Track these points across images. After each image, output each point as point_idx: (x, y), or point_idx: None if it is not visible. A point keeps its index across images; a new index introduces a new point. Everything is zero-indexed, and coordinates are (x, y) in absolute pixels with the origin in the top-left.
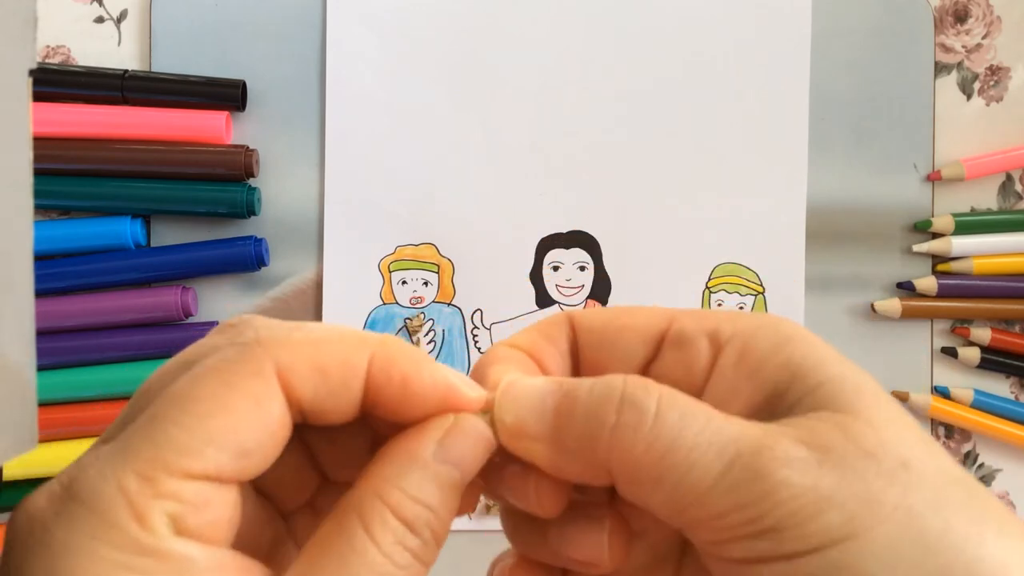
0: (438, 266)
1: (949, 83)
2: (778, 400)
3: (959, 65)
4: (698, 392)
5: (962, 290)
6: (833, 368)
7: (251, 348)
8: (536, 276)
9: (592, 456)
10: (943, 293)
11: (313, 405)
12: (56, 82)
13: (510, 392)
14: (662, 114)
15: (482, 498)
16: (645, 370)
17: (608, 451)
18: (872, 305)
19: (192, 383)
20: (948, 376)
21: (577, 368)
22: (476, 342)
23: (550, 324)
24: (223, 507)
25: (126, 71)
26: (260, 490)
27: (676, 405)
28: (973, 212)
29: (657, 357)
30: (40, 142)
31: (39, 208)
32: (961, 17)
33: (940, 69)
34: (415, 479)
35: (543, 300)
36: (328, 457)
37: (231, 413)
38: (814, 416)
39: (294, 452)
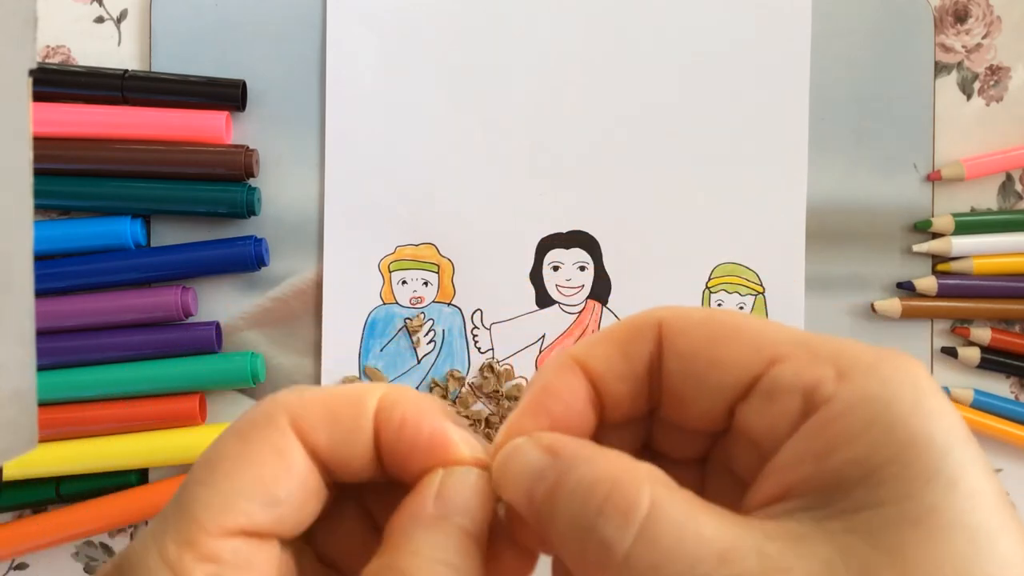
0: (438, 266)
1: (949, 83)
2: (838, 497)
3: (959, 65)
4: (772, 453)
5: (962, 290)
6: (917, 485)
7: (264, 405)
8: (536, 276)
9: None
10: (943, 293)
11: (329, 451)
12: (56, 82)
13: (504, 468)
14: (662, 114)
15: None
16: (732, 410)
17: (578, 568)
18: (872, 305)
19: (215, 446)
20: (948, 376)
21: (657, 385)
22: (476, 342)
23: (633, 336)
24: (266, 566)
25: (126, 71)
26: (326, 559)
27: (658, 545)
28: (973, 212)
29: (746, 400)
30: (40, 142)
31: (39, 208)
32: (961, 17)
33: (940, 69)
34: (423, 537)
35: (543, 300)
36: (386, 520)
37: (253, 465)
38: (843, 548)
39: (354, 518)
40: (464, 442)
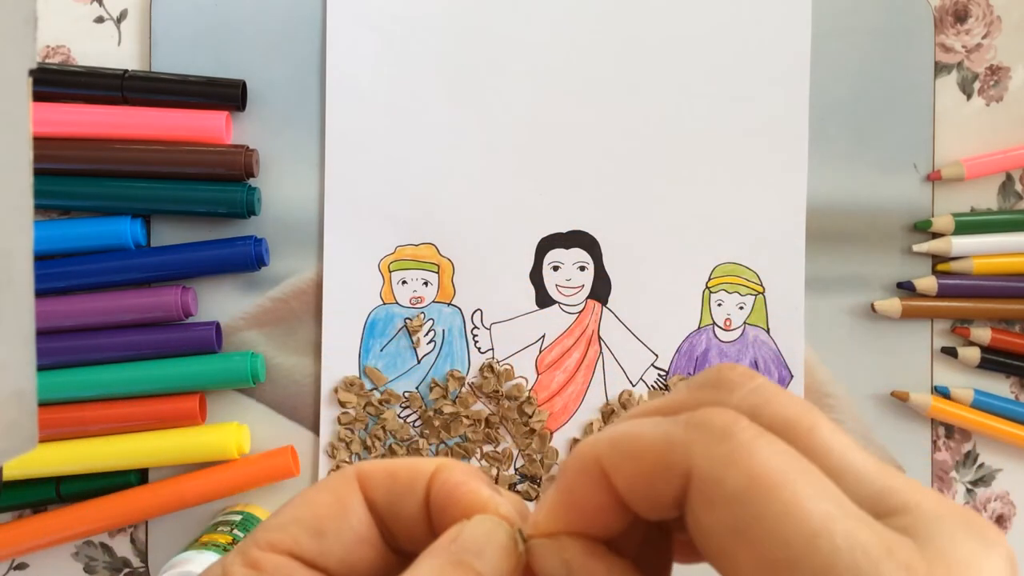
0: (438, 266)
1: (949, 83)
2: None
3: (959, 65)
4: None
5: (962, 290)
6: None
7: (345, 467)
8: (536, 276)
9: None
10: (943, 293)
11: (386, 504)
12: (56, 82)
13: (532, 562)
14: (662, 114)
15: None
16: None
17: None
18: (872, 305)
19: (298, 493)
20: (948, 376)
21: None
22: (476, 342)
23: (659, 474)
24: None
25: (126, 71)
26: None
27: None
28: (973, 212)
29: None
30: (40, 142)
31: (39, 208)
32: (961, 17)
33: (940, 69)
34: (427, 563)
35: (543, 300)
36: None
37: (314, 503)
38: None
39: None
40: (492, 501)
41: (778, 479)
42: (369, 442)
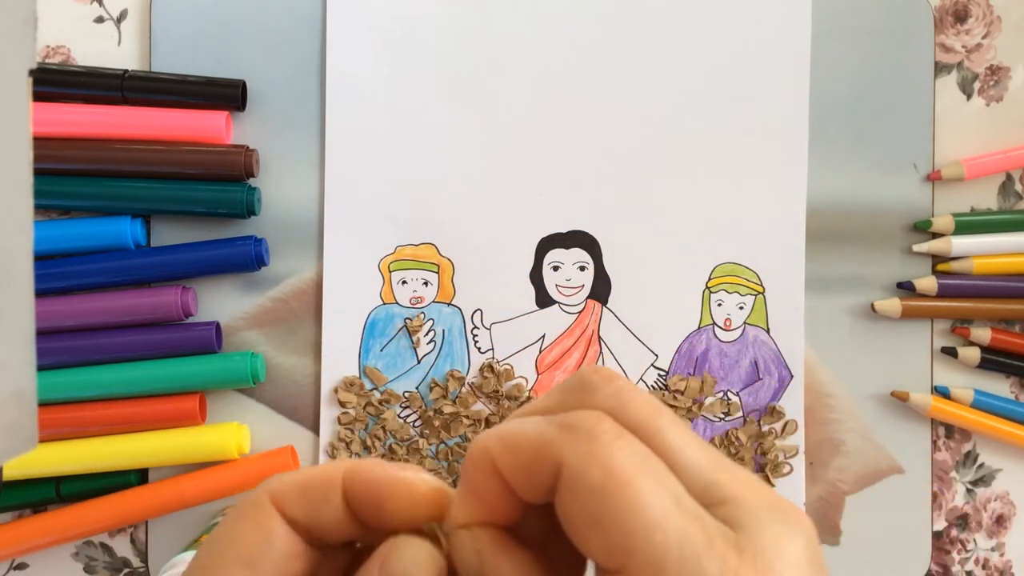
0: (438, 266)
1: (949, 83)
2: None
3: (959, 65)
4: None
5: (962, 290)
6: None
7: (254, 491)
8: (536, 276)
9: None
10: (943, 293)
11: (307, 519)
12: (56, 82)
13: (455, 554)
14: (662, 114)
15: None
16: None
17: None
18: (872, 305)
19: (217, 526)
20: (948, 376)
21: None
22: (476, 342)
23: (534, 463)
24: None
25: (126, 71)
26: None
27: None
28: (973, 212)
29: None
30: (40, 142)
31: (39, 208)
32: (961, 17)
33: (940, 69)
34: None
35: (543, 300)
36: None
37: (237, 538)
38: None
39: None
40: (412, 484)
41: (627, 477)
42: (369, 442)
